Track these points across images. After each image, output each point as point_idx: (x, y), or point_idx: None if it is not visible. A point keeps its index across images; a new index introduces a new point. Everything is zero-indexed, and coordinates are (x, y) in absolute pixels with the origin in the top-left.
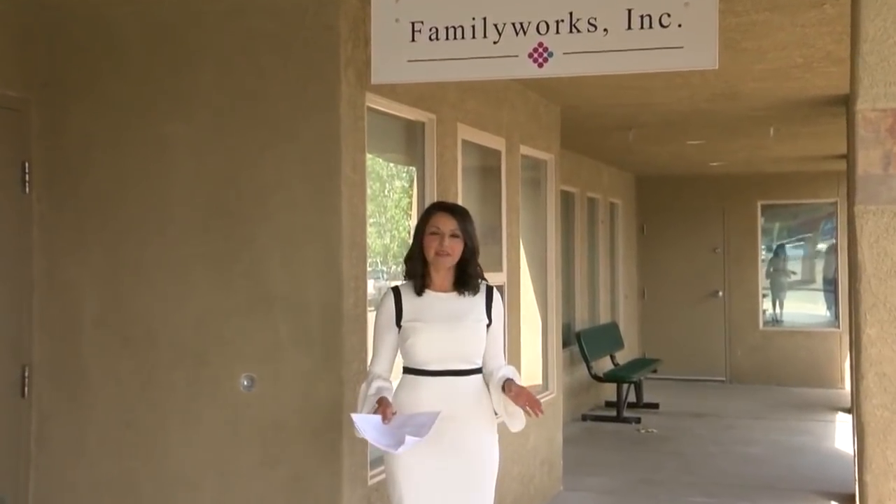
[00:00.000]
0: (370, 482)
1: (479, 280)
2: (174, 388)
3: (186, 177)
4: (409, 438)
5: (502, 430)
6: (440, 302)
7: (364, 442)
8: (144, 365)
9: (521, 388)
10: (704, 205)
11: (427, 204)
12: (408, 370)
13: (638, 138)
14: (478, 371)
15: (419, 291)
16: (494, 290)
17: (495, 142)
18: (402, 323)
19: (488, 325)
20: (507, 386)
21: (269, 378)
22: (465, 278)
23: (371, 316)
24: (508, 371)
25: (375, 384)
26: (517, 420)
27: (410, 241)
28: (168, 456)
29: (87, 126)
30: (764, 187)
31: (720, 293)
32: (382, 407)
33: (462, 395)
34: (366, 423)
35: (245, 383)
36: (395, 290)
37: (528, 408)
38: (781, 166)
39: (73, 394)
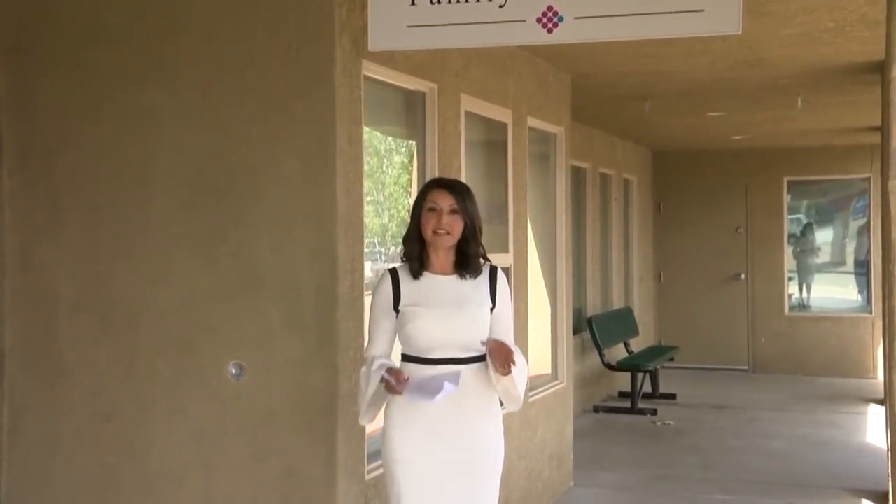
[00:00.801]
0: (368, 477)
1: (482, 261)
2: (157, 377)
3: (169, 151)
4: (447, 385)
5: (508, 422)
6: (440, 285)
7: (361, 434)
8: (125, 352)
9: (498, 342)
10: (726, 181)
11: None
12: (407, 358)
13: (654, 110)
14: (481, 359)
15: (417, 274)
16: (499, 270)
17: (501, 113)
18: (401, 307)
19: (492, 309)
20: (488, 340)
21: (259, 366)
22: (466, 260)
23: (368, 300)
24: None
25: (377, 362)
26: (510, 397)
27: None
28: (151, 450)
29: (61, 96)
30: (790, 162)
31: (742, 276)
32: (394, 374)
33: (466, 383)
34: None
35: (233, 372)
36: (393, 273)
37: (496, 365)
38: (810, 139)
39: (49, 383)
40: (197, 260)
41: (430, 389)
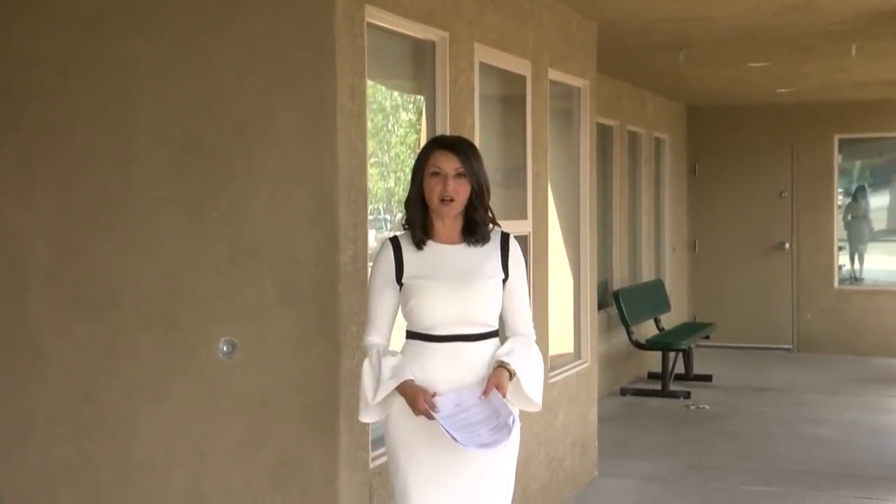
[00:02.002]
0: (372, 465)
1: (490, 227)
2: (140, 355)
3: (151, 106)
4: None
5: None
6: (446, 255)
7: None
8: (105, 329)
9: (492, 383)
10: (769, 140)
11: None
12: (411, 335)
13: (690, 60)
14: (493, 335)
15: (420, 243)
16: (511, 237)
17: (519, 65)
18: (404, 280)
19: (504, 280)
20: (494, 375)
21: (252, 344)
22: (473, 226)
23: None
24: (514, 346)
25: (386, 363)
26: (525, 400)
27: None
28: (133, 435)
29: (30, 44)
30: (842, 118)
31: (787, 245)
32: (417, 399)
33: (474, 363)
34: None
35: (224, 350)
36: (394, 242)
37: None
38: (864, 93)
39: (21, 362)
40: (183, 227)
41: (470, 429)
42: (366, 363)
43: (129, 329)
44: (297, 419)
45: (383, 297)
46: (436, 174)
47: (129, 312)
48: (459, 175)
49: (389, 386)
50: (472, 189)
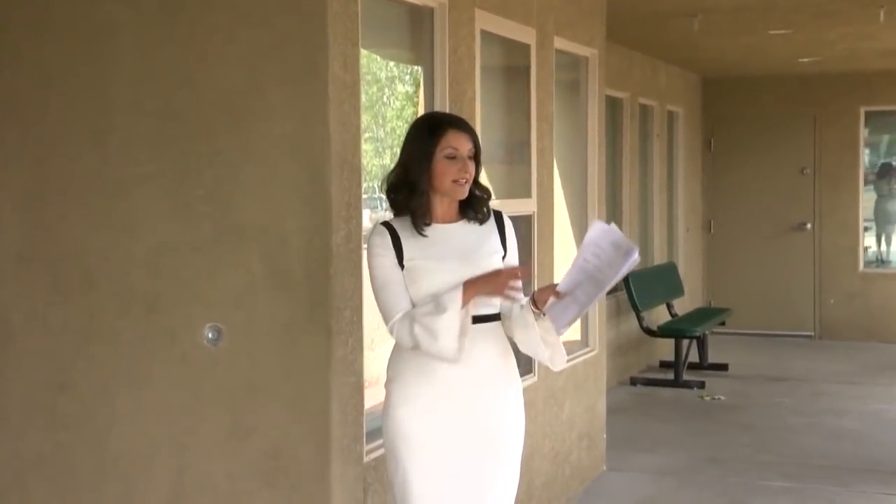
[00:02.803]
0: (367, 458)
1: (488, 202)
2: (119, 341)
3: (130, 75)
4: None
5: (530, 395)
6: (447, 234)
7: (359, 408)
8: (81, 312)
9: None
10: (790, 113)
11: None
12: None
13: (705, 27)
14: (497, 317)
15: (422, 229)
16: (504, 215)
17: (523, 33)
18: (405, 263)
19: (503, 257)
20: (538, 296)
21: (238, 329)
22: (474, 202)
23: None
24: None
25: (425, 308)
26: (558, 353)
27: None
28: (112, 426)
29: None
30: (869, 89)
31: (808, 225)
32: (498, 275)
33: (480, 347)
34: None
35: (209, 336)
36: (389, 227)
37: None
38: (893, 62)
39: None
40: (165, 204)
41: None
42: (415, 327)
43: (106, 313)
44: (287, 409)
45: (393, 277)
46: (452, 157)
47: (107, 295)
48: (471, 157)
49: (457, 295)
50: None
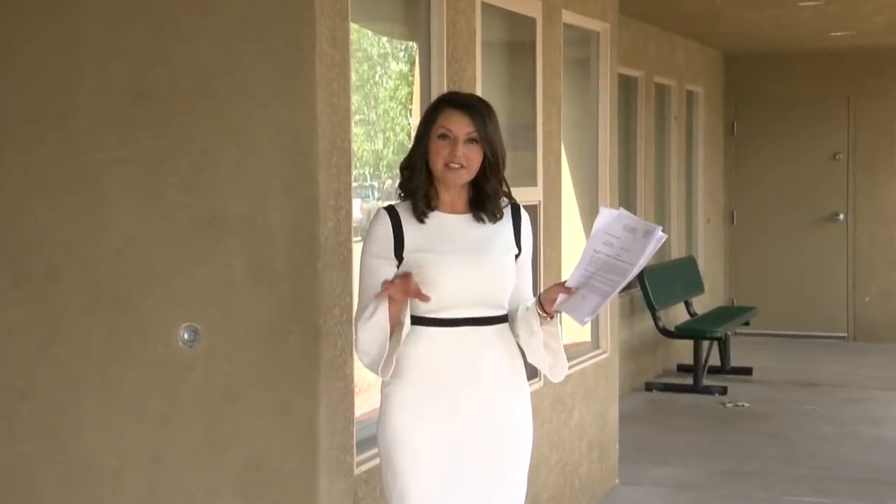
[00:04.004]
0: (357, 470)
1: (503, 201)
2: (87, 342)
3: (97, 50)
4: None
5: (536, 401)
6: (454, 226)
7: (349, 416)
8: (44, 311)
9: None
10: (822, 92)
11: (434, 96)
12: (413, 319)
13: None
14: (505, 319)
15: (423, 215)
16: (522, 209)
17: (528, 6)
18: (405, 254)
19: (517, 256)
20: (545, 297)
21: (217, 329)
22: (483, 200)
23: (359, 248)
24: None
25: (364, 311)
26: (560, 362)
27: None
28: (79, 436)
29: None
30: None
31: (841, 216)
32: (404, 280)
33: (486, 351)
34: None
35: (185, 337)
36: (391, 212)
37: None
38: None
39: None
40: (136, 193)
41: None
42: (361, 322)
43: (72, 312)
44: (270, 417)
45: (379, 274)
46: (444, 137)
47: (72, 292)
48: (471, 140)
49: (379, 302)
50: (485, 157)
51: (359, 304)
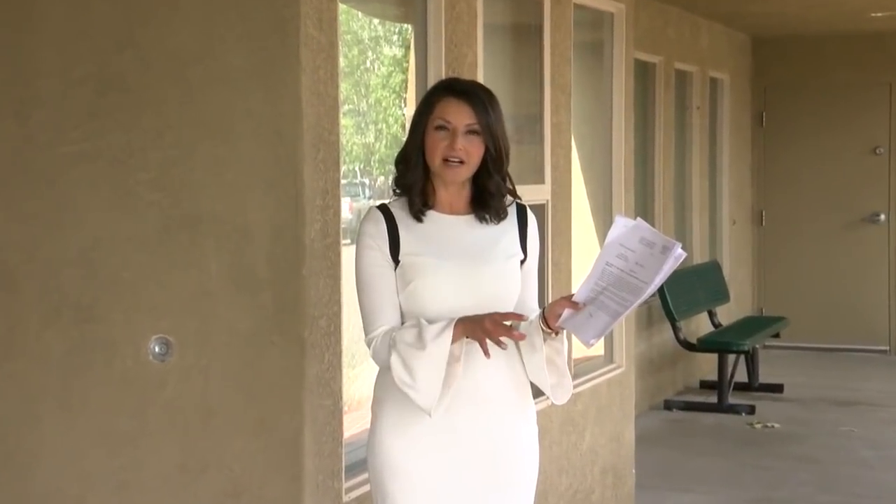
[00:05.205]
0: (346, 497)
1: (507, 199)
2: (47, 356)
3: (59, 31)
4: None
5: (543, 421)
6: (453, 229)
7: (337, 437)
8: (1, 321)
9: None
10: (861, 79)
11: (430, 84)
12: None
13: None
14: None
15: (419, 214)
16: (529, 210)
17: None
18: (401, 258)
19: (522, 262)
20: (549, 311)
21: (192, 341)
22: (485, 197)
23: (347, 252)
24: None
25: (430, 328)
26: (564, 383)
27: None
28: (37, 460)
29: None
30: None
31: (882, 217)
32: (483, 322)
33: (488, 366)
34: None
35: (156, 350)
36: (385, 211)
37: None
38: None
39: None
40: (102, 191)
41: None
42: (392, 354)
43: (31, 322)
44: (250, 438)
45: (381, 278)
46: (442, 128)
47: (32, 300)
48: (472, 132)
49: (444, 340)
50: (487, 151)
51: (367, 315)
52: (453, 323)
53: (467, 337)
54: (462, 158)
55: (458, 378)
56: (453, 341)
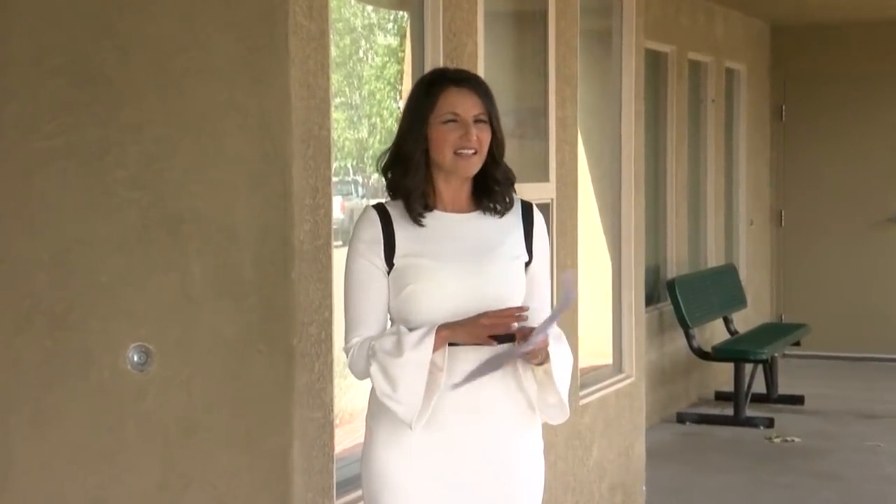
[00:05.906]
0: None
1: (512, 189)
2: (17, 366)
3: (31, 21)
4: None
5: (548, 435)
6: (455, 227)
7: (328, 451)
8: None
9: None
10: (886, 71)
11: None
12: None
13: None
14: (512, 338)
15: (421, 216)
16: (534, 207)
17: None
18: (396, 260)
19: (527, 264)
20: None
21: (173, 350)
22: (491, 186)
23: (339, 254)
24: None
25: (411, 336)
26: (554, 407)
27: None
28: (6, 477)
29: None
30: None
31: None
32: (475, 322)
33: (491, 375)
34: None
35: (135, 359)
36: (381, 210)
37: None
38: None
39: None
40: (77, 189)
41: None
42: (372, 364)
43: (1, 329)
44: (235, 453)
45: (370, 287)
46: (451, 122)
47: (1, 307)
48: (480, 121)
49: (425, 347)
50: (494, 138)
51: (348, 322)
52: (434, 329)
53: (461, 342)
54: (476, 148)
55: (440, 388)
56: (435, 349)
